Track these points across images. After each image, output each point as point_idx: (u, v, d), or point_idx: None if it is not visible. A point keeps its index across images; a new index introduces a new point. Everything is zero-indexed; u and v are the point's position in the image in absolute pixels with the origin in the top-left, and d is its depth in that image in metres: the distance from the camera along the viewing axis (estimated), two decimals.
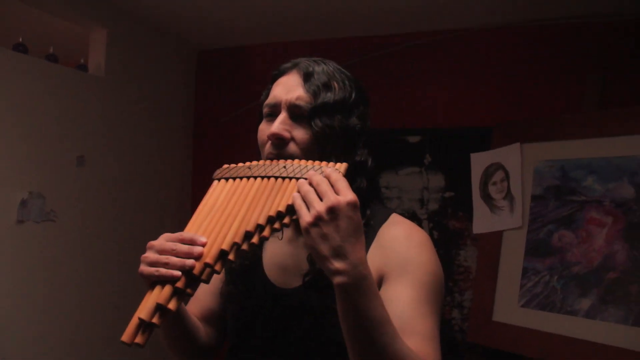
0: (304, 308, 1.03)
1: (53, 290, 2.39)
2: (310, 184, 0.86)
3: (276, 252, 1.12)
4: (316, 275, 0.99)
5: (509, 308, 2.35)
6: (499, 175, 2.46)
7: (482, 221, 2.52)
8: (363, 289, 0.84)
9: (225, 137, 3.33)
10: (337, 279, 0.83)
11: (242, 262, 1.12)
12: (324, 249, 0.83)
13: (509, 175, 2.42)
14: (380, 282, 1.00)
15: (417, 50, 3.06)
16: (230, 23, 2.93)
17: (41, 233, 2.32)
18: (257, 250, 1.13)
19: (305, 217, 0.83)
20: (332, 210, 0.82)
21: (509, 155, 2.43)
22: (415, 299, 0.97)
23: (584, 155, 2.20)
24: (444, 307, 3.05)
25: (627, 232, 2.04)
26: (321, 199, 0.83)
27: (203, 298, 1.19)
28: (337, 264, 0.82)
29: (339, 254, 0.82)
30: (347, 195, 0.84)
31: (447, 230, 3.06)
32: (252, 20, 2.89)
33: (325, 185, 0.84)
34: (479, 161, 2.54)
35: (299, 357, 1.04)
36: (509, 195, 2.41)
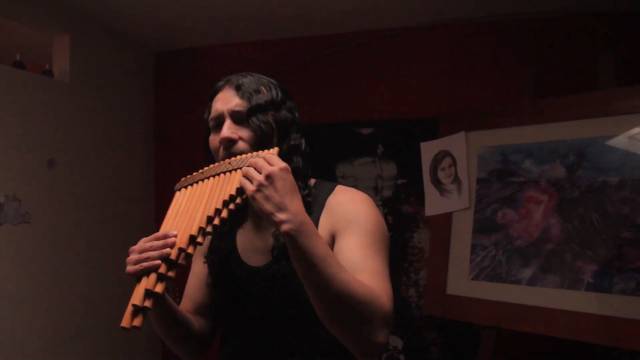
0: (276, 277, 1.20)
1: (29, 288, 2.48)
2: (252, 166, 1.05)
3: (246, 240, 1.30)
4: (281, 248, 1.17)
5: (461, 282, 2.58)
6: (447, 162, 2.69)
7: (433, 204, 2.74)
8: (305, 232, 1.01)
9: (185, 136, 3.45)
10: (283, 227, 1.00)
11: (219, 254, 1.30)
12: (269, 207, 1.01)
13: (456, 161, 2.65)
14: (333, 241, 1.18)
15: (366, 48, 3.27)
16: (186, 25, 3.05)
17: (18, 235, 2.40)
18: (229, 243, 1.31)
19: (250, 187, 1.02)
20: (269, 176, 1.01)
21: (455, 143, 2.66)
22: (361, 244, 1.15)
23: (522, 141, 2.45)
24: (400, 286, 3.28)
25: (560, 208, 2.30)
26: (260, 173, 1.03)
27: (193, 294, 1.36)
28: (281, 216, 1.00)
29: (280, 208, 1.01)
30: (279, 163, 1.04)
31: (401, 215, 3.28)
32: (206, 22, 3.02)
33: (261, 162, 1.04)
34: (428, 149, 2.77)
35: (279, 320, 1.21)
36: (456, 180, 2.65)
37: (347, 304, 1.02)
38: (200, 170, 1.18)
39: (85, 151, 2.84)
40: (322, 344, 1.18)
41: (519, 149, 2.46)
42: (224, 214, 1.04)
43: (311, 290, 1.04)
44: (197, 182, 1.16)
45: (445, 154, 2.70)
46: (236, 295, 1.27)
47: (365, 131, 3.30)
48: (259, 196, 1.01)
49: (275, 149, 1.13)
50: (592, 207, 2.21)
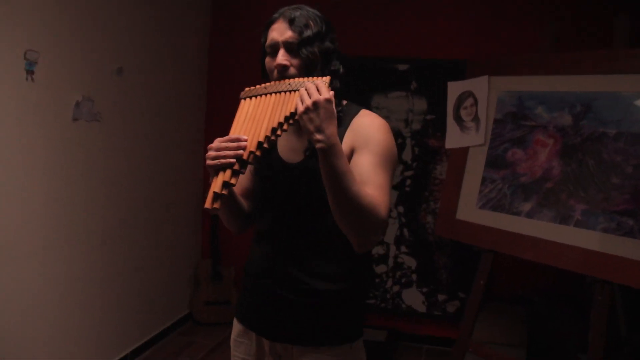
0: (305, 172, 1.50)
1: (95, 176, 2.92)
2: (305, 90, 1.33)
3: (286, 140, 1.59)
4: (313, 150, 1.44)
5: (469, 209, 2.90)
6: (469, 101, 2.95)
7: (453, 138, 3.02)
8: (333, 151, 1.28)
9: (235, 53, 3.78)
10: (318, 145, 1.28)
11: (264, 150, 1.63)
12: (311, 127, 1.27)
13: (478, 102, 2.91)
14: (352, 154, 1.47)
15: None
16: None
17: (90, 130, 2.83)
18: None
19: (300, 108, 1.28)
20: (315, 103, 1.27)
21: (479, 85, 2.91)
22: (372, 162, 1.41)
23: (537, 89, 2.69)
24: (419, 212, 3.62)
25: (563, 152, 2.56)
26: (310, 97, 1.31)
27: (242, 181, 1.68)
28: (318, 136, 1.27)
29: (319, 130, 1.27)
30: (325, 94, 1.28)
31: (426, 148, 3.58)
32: None
33: (313, 89, 1.31)
34: (454, 89, 3.02)
35: (301, 206, 1.52)
36: (476, 118, 2.91)
37: (353, 208, 1.31)
38: (264, 85, 1.44)
39: (148, 61, 3.25)
40: (330, 233, 1.47)
41: (534, 96, 2.70)
42: (285, 127, 1.33)
43: (330, 192, 1.32)
44: (260, 95, 1.40)
45: (468, 94, 2.96)
46: (272, 185, 1.58)
47: (401, 67, 3.56)
48: (305, 117, 1.28)
49: (327, 78, 1.36)
50: (590, 154, 2.47)
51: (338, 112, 1.48)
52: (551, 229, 2.55)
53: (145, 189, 3.31)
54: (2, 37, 2.25)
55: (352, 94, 3.53)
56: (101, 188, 2.97)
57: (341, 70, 1.53)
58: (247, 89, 1.46)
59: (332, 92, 1.31)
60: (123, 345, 3.27)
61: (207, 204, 1.23)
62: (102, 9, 2.83)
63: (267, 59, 1.51)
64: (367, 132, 1.47)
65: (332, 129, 1.29)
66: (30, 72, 2.40)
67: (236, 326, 1.67)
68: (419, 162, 3.60)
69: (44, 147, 2.55)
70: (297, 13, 1.48)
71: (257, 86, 1.44)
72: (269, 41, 1.49)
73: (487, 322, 3.18)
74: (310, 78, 1.38)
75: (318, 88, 1.30)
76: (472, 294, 2.90)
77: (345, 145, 1.46)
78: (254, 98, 1.41)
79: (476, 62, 2.99)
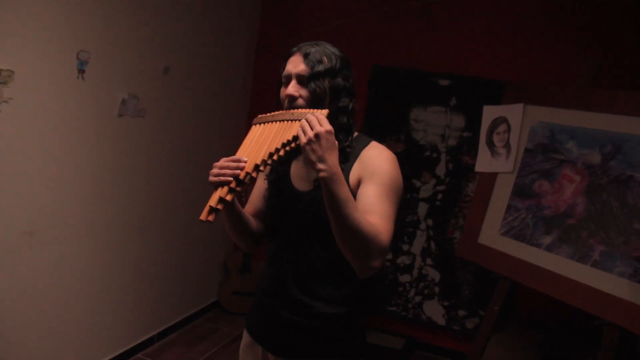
0: (312, 201, 1.58)
1: (136, 171, 3.11)
2: (307, 121, 1.40)
3: (298, 169, 1.68)
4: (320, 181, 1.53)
5: (492, 234, 2.92)
6: (502, 127, 2.95)
7: (483, 162, 3.04)
8: (335, 180, 1.34)
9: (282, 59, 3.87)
10: (321, 174, 1.33)
11: (277, 176, 1.71)
12: (313, 157, 1.33)
13: (511, 129, 2.91)
14: (359, 184, 1.54)
15: (455, 4, 3.49)
16: None
17: (134, 126, 3.00)
18: (286, 168, 1.70)
19: (302, 139, 1.35)
20: (317, 135, 1.33)
21: (514, 113, 2.90)
22: (377, 192, 1.47)
23: (570, 123, 2.67)
24: (447, 227, 3.65)
25: (588, 190, 2.55)
26: (312, 129, 1.38)
27: (255, 201, 1.80)
28: (320, 165, 1.33)
29: (321, 159, 1.33)
30: (326, 126, 1.35)
31: (460, 164, 3.60)
32: None
33: (314, 121, 1.38)
34: (489, 113, 3.03)
35: (307, 234, 1.61)
36: (507, 145, 2.92)
37: (355, 234, 1.36)
38: (272, 113, 1.55)
39: (195, 62, 3.39)
40: (334, 259, 1.55)
41: (566, 130, 2.68)
42: (282, 152, 1.42)
43: (332, 219, 1.38)
44: (269, 122, 1.50)
45: (503, 119, 2.96)
46: (282, 209, 1.68)
47: (443, 82, 3.57)
48: (307, 148, 1.34)
49: (326, 111, 1.43)
50: (615, 196, 2.45)
51: (347, 145, 1.57)
52: (568, 266, 2.55)
53: (183, 182, 3.48)
54: (57, 38, 2.43)
55: (391, 105, 3.57)
56: (142, 179, 3.15)
57: (351, 106, 1.60)
58: (259, 115, 1.57)
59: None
60: (152, 326, 3.47)
61: (202, 216, 1.31)
62: (152, 12, 2.98)
63: (282, 89, 1.60)
64: (374, 163, 1.54)
65: (333, 158, 1.36)
66: (81, 71, 2.57)
67: (245, 336, 1.78)
68: (452, 177, 3.62)
69: (91, 140, 2.73)
70: (313, 49, 1.57)
71: (268, 114, 1.55)
72: (284, 72, 1.60)
73: (502, 344, 3.21)
74: (311, 110, 1.46)
75: (319, 120, 1.37)
76: (485, 318, 2.94)
77: (353, 175, 1.54)
78: (262, 125, 1.52)
79: (515, 85, 2.98)
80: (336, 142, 1.39)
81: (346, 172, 1.51)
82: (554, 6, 3.25)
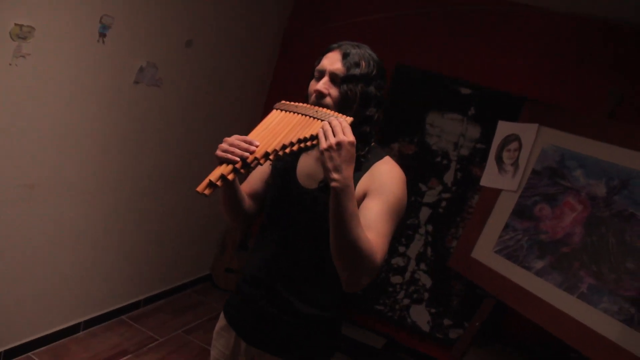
0: (314, 201, 1.56)
1: (147, 136, 3.13)
2: (330, 125, 1.36)
3: (306, 164, 1.65)
4: (326, 184, 1.47)
5: (485, 250, 2.89)
6: (514, 145, 2.91)
7: (489, 177, 3.00)
8: (346, 193, 1.31)
9: (308, 47, 3.86)
10: (333, 184, 1.30)
11: (284, 166, 1.68)
12: (330, 165, 1.30)
13: (522, 148, 2.86)
14: (364, 197, 1.51)
15: (484, 14, 3.44)
16: None
17: (149, 94, 3.01)
18: (294, 160, 1.68)
19: (323, 143, 1.31)
20: (339, 143, 1.30)
21: (527, 132, 2.86)
22: (381, 210, 1.44)
23: (582, 151, 2.61)
24: (447, 236, 3.62)
25: (588, 221, 2.50)
26: (334, 136, 1.34)
27: (253, 182, 1.77)
28: (335, 175, 1.30)
29: (337, 169, 1.30)
30: (350, 137, 1.32)
31: (469, 175, 3.56)
32: None
33: (339, 127, 1.34)
34: (503, 128, 2.98)
35: (302, 233, 1.59)
36: (516, 163, 2.87)
37: (352, 249, 1.33)
38: (296, 104, 1.50)
39: (219, 38, 3.38)
40: (325, 263, 1.51)
41: (577, 157, 2.63)
42: (295, 147, 1.38)
43: (332, 230, 1.35)
44: (290, 112, 1.45)
45: (515, 137, 2.92)
46: (281, 201, 1.65)
47: (464, 90, 3.52)
48: (326, 154, 1.31)
49: (350, 119, 1.39)
50: (613, 231, 2.41)
51: (362, 155, 1.54)
52: (555, 294, 2.52)
53: (192, 155, 3.49)
54: (82, 1, 2.43)
55: (409, 106, 3.54)
56: (151, 147, 3.17)
57: (376, 116, 1.56)
58: (283, 101, 1.52)
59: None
60: (140, 291, 3.53)
61: (199, 188, 1.27)
62: None
63: (312, 82, 1.57)
64: (383, 180, 1.51)
65: (349, 171, 1.33)
66: (102, 35, 2.58)
67: (221, 319, 1.78)
68: (459, 187, 3.59)
69: (103, 104, 2.75)
70: (354, 50, 1.53)
71: (292, 103, 1.50)
72: (319, 66, 1.55)
73: None
74: (336, 113, 1.43)
75: (344, 129, 1.34)
76: (465, 332, 2.93)
77: (360, 186, 1.51)
78: (283, 112, 1.47)
79: (533, 104, 2.93)
80: (355, 155, 1.36)
81: (354, 181, 1.46)
82: (584, 32, 3.18)
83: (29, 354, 2.81)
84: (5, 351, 2.70)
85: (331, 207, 1.34)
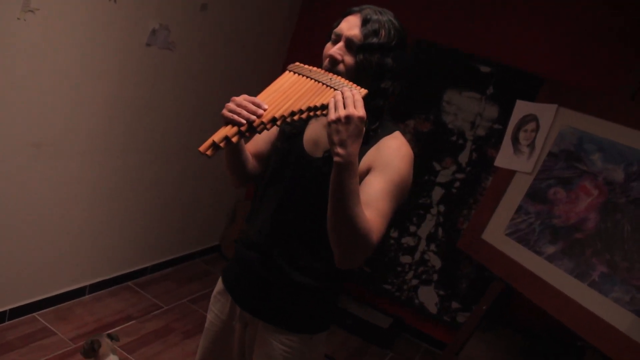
0: (317, 171, 1.50)
1: (158, 100, 3.09)
2: (342, 96, 1.29)
3: (314, 131, 1.59)
4: (330, 155, 1.40)
5: (496, 233, 2.83)
6: (531, 126, 2.82)
7: (504, 157, 2.92)
8: (349, 169, 1.25)
9: (330, 9, 3.76)
10: (337, 159, 1.24)
11: (291, 130, 1.62)
12: (335, 138, 1.23)
13: (539, 129, 2.77)
14: (368, 172, 1.45)
15: None
16: None
17: (160, 58, 2.96)
18: (302, 125, 1.61)
19: (332, 115, 1.24)
20: (348, 117, 1.23)
21: (545, 113, 2.76)
22: (383, 188, 1.38)
23: (600, 134, 2.52)
24: (459, 218, 3.55)
25: (603, 207, 2.42)
26: (344, 108, 1.27)
27: (260, 142, 1.72)
28: (340, 150, 1.23)
29: (342, 144, 1.23)
30: (360, 111, 1.24)
31: (484, 156, 3.47)
32: None
33: (350, 100, 1.27)
34: (521, 108, 2.89)
35: (301, 199, 1.54)
36: (532, 145, 2.79)
37: (348, 226, 1.29)
38: (310, 68, 1.43)
39: (235, 3, 3.30)
40: (322, 233, 1.42)
41: (595, 140, 2.54)
42: (304, 115, 1.32)
43: (331, 204, 1.30)
44: (304, 76, 1.38)
45: (533, 117, 2.82)
46: (285, 167, 1.60)
47: (483, 69, 3.41)
48: (333, 126, 1.24)
49: (364, 91, 1.32)
50: (629, 218, 2.32)
51: (372, 129, 1.47)
52: (565, 280, 2.46)
53: (204, 121, 3.44)
54: None
55: (426, 83, 3.44)
56: (162, 111, 3.13)
57: (391, 89, 1.48)
58: (297, 63, 1.45)
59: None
60: (147, 258, 3.52)
61: (202, 148, 1.23)
62: None
63: (328, 45, 1.49)
64: (390, 156, 1.44)
65: (355, 147, 1.26)
66: None
67: (219, 284, 1.75)
68: (474, 167, 3.50)
69: (113, 64, 2.71)
70: (375, 17, 1.44)
71: (306, 66, 1.43)
72: (337, 29, 1.47)
73: (485, 343, 3.14)
74: (350, 83, 1.36)
75: (355, 102, 1.27)
76: (471, 315, 2.87)
77: (365, 161, 1.44)
78: (296, 75, 1.41)
79: (552, 84, 2.83)
80: (363, 130, 1.29)
81: (360, 155, 1.39)
82: (608, 10, 3.04)
83: (34, 314, 2.83)
84: (11, 310, 2.72)
85: (332, 181, 1.29)
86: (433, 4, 3.55)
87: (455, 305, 3.60)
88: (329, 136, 1.26)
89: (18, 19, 2.21)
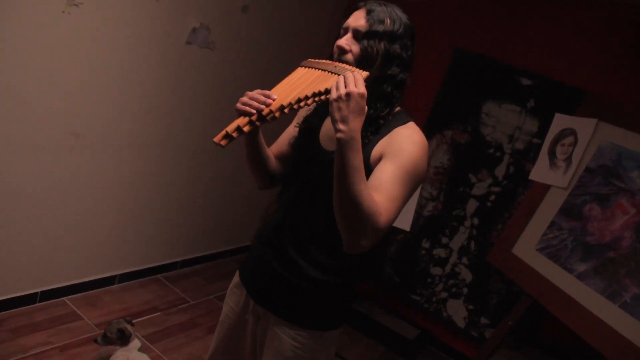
0: (331, 165, 1.45)
1: (196, 99, 3.15)
2: (344, 78, 1.34)
3: (329, 127, 1.61)
4: None
5: (527, 248, 2.75)
6: (569, 140, 2.74)
7: (539, 171, 2.84)
8: (351, 145, 1.28)
9: None
10: (338, 135, 1.28)
11: (309, 126, 1.67)
12: (337, 115, 1.28)
13: (577, 143, 2.69)
14: (380, 159, 1.46)
15: (553, 2, 3.23)
16: None
17: (200, 57, 3.02)
18: (319, 121, 1.66)
19: (333, 94, 1.30)
20: (348, 94, 1.28)
21: (585, 127, 2.68)
22: (394, 173, 1.39)
23: None
24: (492, 232, 3.47)
25: (639, 226, 2.33)
26: (346, 87, 1.32)
27: (281, 143, 1.78)
28: (341, 126, 1.28)
29: (344, 120, 1.28)
30: (360, 88, 1.29)
31: (522, 171, 3.39)
32: None
33: (350, 79, 1.32)
34: (560, 121, 2.82)
35: (315, 193, 1.56)
36: (569, 159, 2.71)
37: (353, 207, 1.32)
38: (319, 60, 1.50)
39: (277, 5, 3.35)
40: (334, 227, 1.44)
41: (635, 157, 2.44)
42: (310, 101, 1.37)
43: (335, 183, 1.35)
44: (313, 68, 1.45)
45: (571, 131, 2.74)
46: (300, 161, 1.64)
47: (525, 81, 3.34)
48: (334, 104, 1.31)
49: (366, 73, 1.39)
50: None
51: (383, 115, 1.50)
52: (595, 300, 2.37)
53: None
54: None
55: (465, 93, 3.39)
56: (202, 109, 3.20)
57: (399, 77, 1.51)
58: (309, 59, 1.51)
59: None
60: (179, 252, 3.58)
61: (216, 138, 1.29)
62: None
63: (338, 39, 1.54)
64: (402, 143, 1.46)
65: (357, 123, 1.30)
66: None
67: (236, 277, 1.78)
68: (510, 181, 3.43)
69: (153, 60, 2.78)
70: (379, 8, 1.50)
71: (316, 60, 1.50)
72: (345, 23, 1.54)
73: None
74: (353, 68, 1.40)
75: (356, 80, 1.31)
76: (496, 331, 2.80)
77: (377, 149, 1.46)
78: (306, 68, 1.47)
79: (593, 98, 2.75)
80: (366, 108, 1.32)
81: (372, 144, 1.44)
82: None
83: (64, 298, 2.91)
84: (42, 292, 2.80)
85: (335, 159, 1.31)
86: (472, 13, 3.50)
87: (484, 320, 3.52)
88: (331, 115, 1.30)
89: (63, 11, 2.29)
